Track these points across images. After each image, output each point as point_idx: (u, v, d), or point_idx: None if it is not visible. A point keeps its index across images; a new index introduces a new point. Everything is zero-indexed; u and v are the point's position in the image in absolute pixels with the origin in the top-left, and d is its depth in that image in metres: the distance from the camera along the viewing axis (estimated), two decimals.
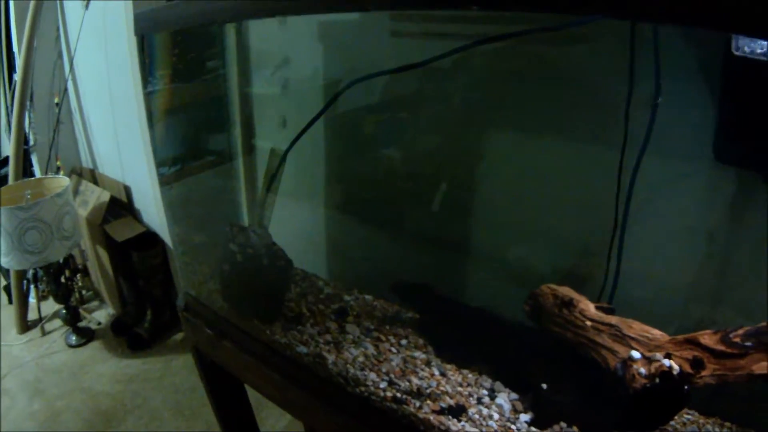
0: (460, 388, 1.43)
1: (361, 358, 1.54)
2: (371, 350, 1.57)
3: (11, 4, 3.98)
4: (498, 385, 1.44)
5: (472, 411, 1.34)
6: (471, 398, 1.39)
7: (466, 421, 1.31)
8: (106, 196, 3.79)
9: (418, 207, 2.07)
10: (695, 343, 1.19)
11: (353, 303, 1.84)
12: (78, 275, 4.15)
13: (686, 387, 1.17)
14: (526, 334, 1.53)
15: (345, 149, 2.29)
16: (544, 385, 1.35)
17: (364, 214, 2.23)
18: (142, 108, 2.22)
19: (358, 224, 2.29)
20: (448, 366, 1.52)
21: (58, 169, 4.16)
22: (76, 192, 4.00)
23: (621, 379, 1.20)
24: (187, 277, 2.10)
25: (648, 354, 1.20)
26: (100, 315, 4.19)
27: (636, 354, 1.20)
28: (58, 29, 4.00)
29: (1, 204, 3.19)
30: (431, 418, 1.31)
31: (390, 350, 1.58)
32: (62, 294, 3.83)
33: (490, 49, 1.68)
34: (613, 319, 1.30)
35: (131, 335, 3.86)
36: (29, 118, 4.04)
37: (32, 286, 4.10)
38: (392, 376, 1.46)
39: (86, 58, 3.81)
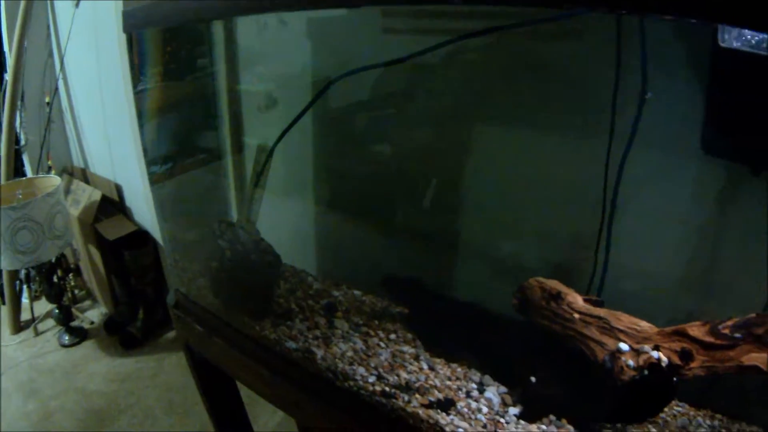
0: (448, 382, 1.42)
1: (350, 353, 1.54)
2: (360, 345, 1.57)
3: (1, 3, 3.97)
4: (487, 378, 1.44)
5: (461, 405, 1.34)
6: (460, 392, 1.39)
7: (455, 415, 1.31)
8: (97, 195, 3.78)
9: (407, 202, 2.07)
10: (684, 335, 1.19)
11: (342, 298, 1.84)
12: (70, 275, 4.14)
13: (675, 379, 1.17)
14: (514, 328, 1.53)
15: (334, 145, 2.29)
16: (533, 379, 1.35)
17: (353, 209, 2.23)
18: (132, 106, 2.22)
19: (347, 220, 2.29)
20: (437, 360, 1.52)
21: (50, 168, 4.16)
22: (67, 191, 3.99)
23: (609, 371, 1.20)
24: (178, 275, 2.10)
25: (636, 346, 1.20)
26: (93, 314, 4.19)
27: (624, 346, 1.21)
28: (48, 28, 3.99)
29: None
30: (420, 411, 1.31)
31: (379, 345, 1.58)
32: (55, 294, 3.83)
33: (479, 45, 1.68)
34: (601, 312, 1.30)
35: (124, 334, 3.86)
36: (20, 117, 4.03)
37: (25, 287, 4.09)
38: (381, 370, 1.46)
39: (77, 57, 3.81)
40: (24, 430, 3.11)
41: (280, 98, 2.32)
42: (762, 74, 1.13)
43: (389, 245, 2.10)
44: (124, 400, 3.31)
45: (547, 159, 1.69)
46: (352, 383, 1.43)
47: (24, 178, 3.71)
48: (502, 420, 1.30)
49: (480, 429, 1.27)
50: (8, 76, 3.78)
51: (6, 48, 4.06)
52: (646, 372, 1.15)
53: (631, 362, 1.17)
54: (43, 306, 4.10)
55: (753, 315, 1.16)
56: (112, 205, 3.87)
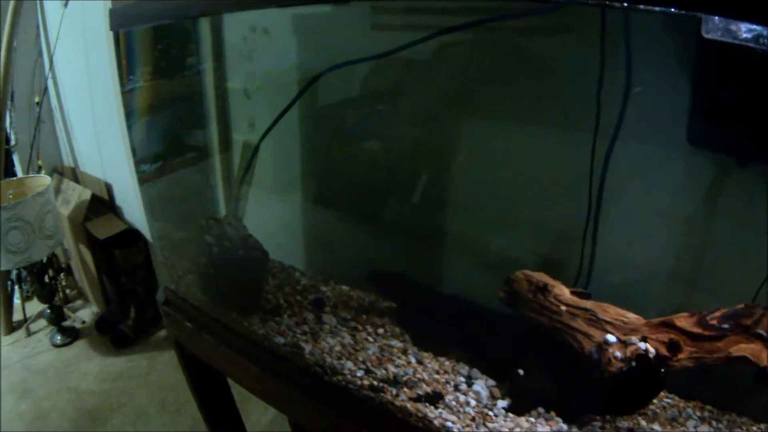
0: (436, 376, 1.43)
1: (338, 348, 1.54)
2: (348, 339, 1.57)
3: None
4: (475, 372, 1.45)
5: (449, 398, 1.34)
6: (448, 385, 1.39)
7: (444, 408, 1.31)
8: (87, 195, 3.77)
9: (394, 197, 2.07)
10: (671, 326, 1.20)
11: (330, 294, 1.84)
12: (61, 274, 4.14)
13: (663, 370, 1.17)
14: (502, 321, 1.53)
15: (321, 141, 2.29)
16: (521, 371, 1.36)
17: (341, 205, 2.23)
18: (121, 105, 2.22)
19: (335, 215, 2.29)
20: (425, 354, 1.52)
21: (40, 168, 4.15)
22: (57, 191, 3.98)
23: (597, 363, 1.20)
24: (167, 272, 2.10)
25: (624, 338, 1.20)
26: (85, 314, 4.18)
27: (611, 338, 1.21)
28: (37, 28, 3.98)
29: None
30: (408, 405, 1.31)
31: (367, 339, 1.58)
32: (46, 294, 3.82)
33: (467, 40, 1.69)
34: (588, 304, 1.30)
35: (115, 333, 3.85)
36: (10, 117, 4.02)
37: (16, 287, 4.08)
38: (369, 364, 1.46)
39: (66, 57, 3.80)
40: (17, 430, 3.11)
41: (268, 96, 2.32)
42: (746, 66, 1.13)
43: (377, 241, 2.10)
44: (117, 399, 3.30)
45: (534, 153, 1.69)
46: (340, 378, 1.43)
47: (14, 178, 3.70)
48: (490, 413, 1.30)
49: (468, 422, 1.27)
50: None
51: None
52: (633, 363, 1.16)
53: (618, 354, 1.17)
54: (35, 306, 4.09)
55: (741, 306, 1.17)
56: (103, 204, 3.87)
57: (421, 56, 1.75)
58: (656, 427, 1.28)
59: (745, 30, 0.86)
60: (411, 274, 1.80)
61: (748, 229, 1.37)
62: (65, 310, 4.07)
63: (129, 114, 2.16)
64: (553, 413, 1.29)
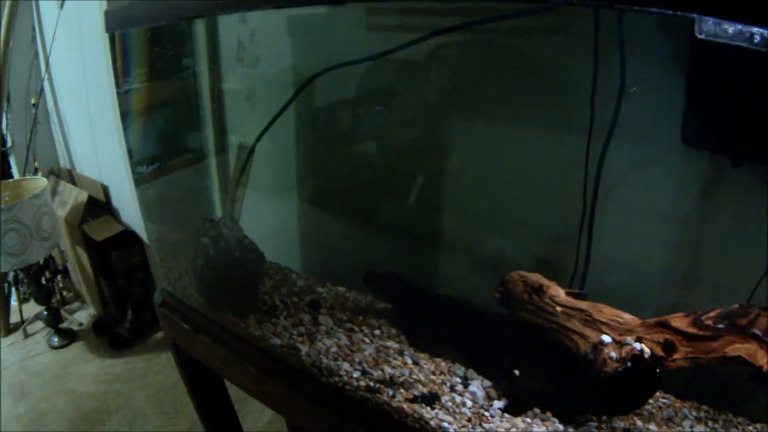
0: (433, 377, 1.43)
1: (334, 349, 1.54)
2: (344, 341, 1.58)
3: None
4: (471, 372, 1.45)
5: (445, 399, 1.34)
6: (444, 386, 1.40)
7: (440, 409, 1.31)
8: (84, 196, 3.77)
9: (389, 198, 2.07)
10: (666, 326, 1.20)
11: (326, 295, 1.85)
12: (58, 276, 4.13)
13: (658, 370, 1.17)
14: (497, 322, 1.53)
15: (317, 143, 2.29)
16: (517, 372, 1.36)
17: (337, 206, 2.24)
18: (117, 107, 2.22)
19: (331, 217, 2.30)
20: (421, 355, 1.52)
21: (36, 170, 4.14)
22: (54, 192, 3.98)
23: (592, 363, 1.20)
24: (164, 274, 2.10)
25: (619, 338, 1.21)
26: (82, 316, 4.17)
27: (607, 338, 1.21)
28: (33, 29, 3.98)
29: None
30: (404, 406, 1.32)
31: (363, 340, 1.59)
32: (43, 295, 3.82)
33: (462, 42, 1.69)
34: (583, 305, 1.30)
35: (113, 335, 3.85)
36: (6, 119, 4.02)
37: (13, 289, 4.08)
38: (365, 365, 1.46)
39: (62, 58, 3.79)
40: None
41: (263, 97, 2.32)
42: (740, 66, 1.13)
43: (373, 242, 2.10)
44: (114, 401, 3.30)
45: (528, 154, 1.69)
46: (336, 379, 1.44)
47: (10, 180, 3.69)
48: (486, 413, 1.30)
49: (465, 423, 1.28)
50: None
51: None
52: (629, 363, 1.16)
53: (613, 354, 1.18)
54: (32, 308, 4.08)
55: (736, 306, 1.17)
56: (99, 206, 3.86)
57: (415, 57, 1.76)
58: (652, 427, 1.28)
59: (738, 30, 0.86)
60: (407, 275, 1.80)
61: (743, 229, 1.37)
62: (62, 312, 4.07)
63: (125, 115, 2.16)
64: (549, 414, 1.30)
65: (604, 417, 1.29)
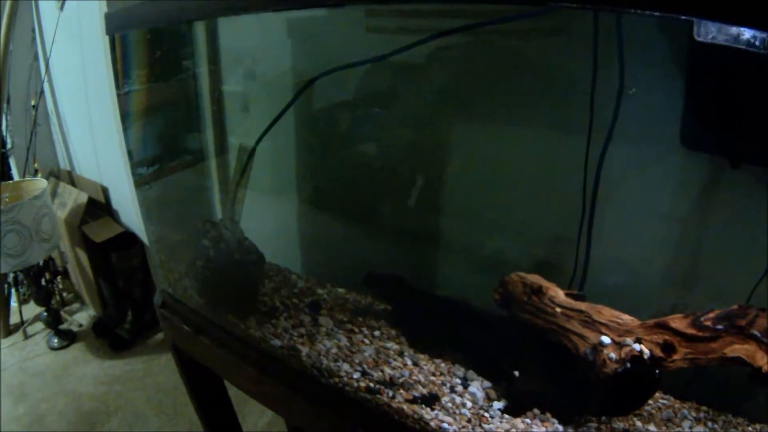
0: (432, 378, 1.43)
1: (334, 350, 1.54)
2: (344, 342, 1.58)
3: None
4: (471, 373, 1.45)
5: (445, 399, 1.35)
6: (444, 387, 1.40)
7: (440, 410, 1.32)
8: (83, 198, 3.77)
9: (389, 200, 2.08)
10: (666, 327, 1.20)
11: (326, 296, 1.85)
12: (58, 277, 4.13)
13: (657, 371, 1.18)
14: (497, 323, 1.53)
15: (317, 145, 2.29)
16: (517, 373, 1.36)
17: (337, 208, 2.24)
18: (117, 108, 2.22)
19: (331, 218, 2.30)
20: (421, 356, 1.52)
21: (36, 171, 4.14)
22: (54, 194, 3.98)
23: (592, 364, 1.21)
24: (164, 275, 2.10)
25: (618, 339, 1.21)
26: (81, 317, 4.17)
27: (606, 339, 1.21)
28: (33, 31, 3.98)
29: None
30: (404, 407, 1.32)
31: (363, 341, 1.59)
32: (43, 297, 3.82)
33: (461, 44, 1.69)
34: (582, 306, 1.31)
35: (113, 336, 3.85)
36: (6, 120, 4.02)
37: (13, 290, 4.08)
38: (365, 366, 1.47)
39: (62, 60, 3.79)
40: None
41: (264, 99, 2.32)
42: (738, 68, 1.13)
43: (373, 243, 2.10)
44: (114, 402, 3.30)
45: (528, 155, 1.70)
46: (336, 379, 1.44)
47: (10, 182, 3.69)
48: (486, 414, 1.31)
49: (464, 423, 1.28)
50: None
51: None
52: (628, 364, 1.16)
53: (613, 355, 1.18)
54: (32, 309, 4.08)
55: (735, 307, 1.17)
56: (99, 207, 3.86)
57: (414, 59, 1.76)
58: (652, 427, 1.28)
59: (736, 33, 0.86)
60: (407, 276, 1.80)
61: (742, 230, 1.38)
62: (62, 313, 4.07)
63: (125, 117, 2.16)
64: (548, 414, 1.30)
65: (603, 418, 1.29)
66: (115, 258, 3.63)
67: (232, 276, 1.84)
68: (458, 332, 1.59)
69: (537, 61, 1.60)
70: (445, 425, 1.27)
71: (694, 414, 1.35)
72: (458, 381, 1.42)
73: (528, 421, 1.28)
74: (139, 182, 2.19)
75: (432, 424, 1.28)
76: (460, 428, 1.27)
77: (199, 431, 2.29)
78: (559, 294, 1.36)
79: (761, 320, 1.14)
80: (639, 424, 1.30)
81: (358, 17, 1.86)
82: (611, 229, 1.56)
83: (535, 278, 1.42)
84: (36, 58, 4.06)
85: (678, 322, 1.20)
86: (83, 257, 3.77)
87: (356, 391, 1.40)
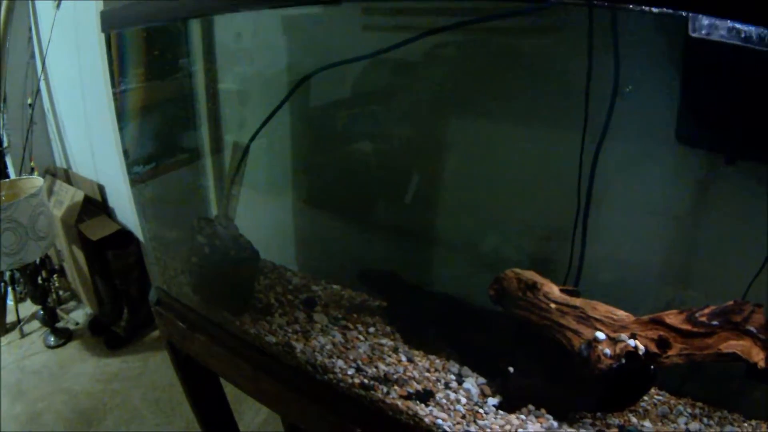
0: (427, 374, 1.43)
1: (329, 346, 1.54)
2: (339, 338, 1.58)
3: None
4: (465, 369, 1.45)
5: (439, 396, 1.34)
6: (438, 383, 1.40)
7: (434, 406, 1.32)
8: (80, 196, 3.77)
9: (384, 196, 2.08)
10: (661, 323, 1.20)
11: (321, 293, 1.85)
12: (54, 276, 4.11)
13: (652, 367, 1.17)
14: (492, 319, 1.53)
15: (312, 142, 2.29)
16: (511, 369, 1.36)
17: (331, 204, 2.24)
18: (113, 107, 2.22)
19: (326, 215, 2.30)
20: (416, 352, 1.52)
21: (32, 169, 4.13)
22: (50, 192, 3.98)
23: (586, 360, 1.20)
24: (159, 272, 2.10)
25: (613, 335, 1.21)
26: (78, 315, 4.17)
27: (601, 335, 1.21)
28: (30, 30, 3.98)
29: None
30: (399, 403, 1.32)
31: (357, 338, 1.59)
32: (39, 295, 3.82)
33: (457, 41, 1.69)
34: (577, 301, 1.31)
35: (109, 334, 3.85)
36: (2, 119, 4.01)
37: (9, 288, 4.07)
38: (360, 362, 1.46)
39: (58, 58, 3.79)
40: (12, 431, 3.10)
41: (260, 97, 2.32)
42: (733, 64, 1.13)
43: (368, 240, 2.10)
44: (111, 400, 3.30)
45: (523, 152, 1.70)
46: (331, 376, 1.44)
47: (7, 180, 3.69)
48: (480, 410, 1.31)
49: (459, 420, 1.28)
50: None
51: None
52: (623, 360, 1.16)
53: (607, 351, 1.18)
54: (28, 308, 4.08)
55: (731, 302, 1.17)
56: (95, 205, 3.86)
57: (410, 57, 1.76)
58: (647, 423, 1.29)
59: (731, 28, 0.86)
60: (401, 272, 1.80)
61: (737, 226, 1.38)
62: (58, 311, 4.07)
63: (121, 115, 2.16)
64: (543, 410, 1.30)
65: (598, 414, 1.29)
66: (112, 256, 3.63)
67: (227, 273, 1.84)
68: (453, 329, 1.59)
69: (531, 58, 1.60)
70: (440, 421, 1.27)
71: (689, 410, 1.35)
72: (453, 377, 1.42)
73: (523, 417, 1.28)
74: (135, 180, 2.19)
75: (426, 420, 1.28)
76: (454, 424, 1.27)
77: (196, 429, 2.29)
78: (553, 290, 1.36)
79: (757, 316, 1.14)
80: (634, 420, 1.30)
81: (354, 15, 1.86)
82: (606, 225, 1.56)
83: (529, 274, 1.42)
84: (32, 56, 4.06)
85: (673, 317, 1.20)
86: (79, 255, 3.77)
87: (351, 387, 1.40)
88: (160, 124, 2.29)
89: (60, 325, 3.98)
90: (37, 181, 3.59)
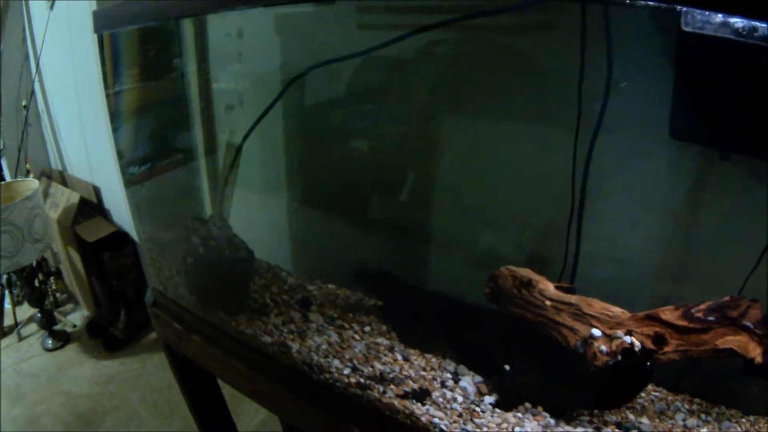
0: (423, 373, 1.43)
1: (324, 346, 1.54)
2: (335, 338, 1.57)
3: None
4: (461, 368, 1.45)
5: (436, 394, 1.34)
6: (435, 382, 1.40)
7: (431, 405, 1.31)
8: (75, 198, 3.77)
9: (379, 195, 2.07)
10: (656, 319, 1.20)
11: (316, 292, 1.84)
12: (51, 278, 4.11)
13: (649, 363, 1.17)
14: (488, 317, 1.53)
15: (307, 141, 2.29)
16: (507, 367, 1.36)
17: (326, 204, 2.23)
18: (106, 108, 2.21)
19: (320, 214, 2.30)
20: (412, 351, 1.52)
21: (28, 172, 4.13)
22: (46, 194, 3.97)
23: (582, 357, 1.20)
24: (155, 273, 2.10)
25: (609, 331, 1.20)
26: (75, 317, 4.17)
27: (596, 332, 1.21)
28: (24, 31, 3.97)
29: None
30: (395, 402, 1.32)
31: (353, 337, 1.59)
32: (36, 298, 3.81)
33: (451, 39, 1.69)
34: (572, 298, 1.30)
35: (106, 336, 3.85)
36: None
37: (6, 292, 4.07)
38: (356, 362, 1.46)
39: (52, 60, 3.79)
40: None
41: (254, 96, 2.32)
42: (727, 58, 1.13)
43: (363, 239, 2.10)
44: (109, 402, 3.30)
45: (518, 149, 1.69)
46: (327, 376, 1.44)
47: (2, 183, 3.68)
48: (477, 409, 1.30)
49: (455, 418, 1.28)
50: None
51: None
52: (619, 357, 1.16)
53: (603, 348, 1.18)
54: (26, 311, 4.08)
55: (727, 298, 1.17)
56: (91, 207, 3.86)
57: (404, 55, 1.76)
58: (644, 420, 1.28)
59: (723, 22, 0.86)
60: (396, 271, 1.80)
61: (732, 221, 1.38)
62: (56, 314, 4.06)
63: (115, 116, 2.15)
64: (540, 408, 1.30)
65: (595, 411, 1.29)
66: (108, 257, 3.62)
67: (222, 273, 1.83)
68: (449, 327, 1.59)
69: (525, 54, 1.60)
70: (436, 420, 1.27)
71: (687, 406, 1.35)
72: (449, 376, 1.42)
73: (519, 415, 1.28)
74: (130, 181, 2.19)
75: (423, 419, 1.27)
76: (451, 423, 1.26)
77: (194, 430, 2.29)
78: (549, 287, 1.36)
79: (753, 311, 1.14)
80: (632, 416, 1.30)
81: (349, 14, 1.86)
82: (601, 222, 1.56)
83: (525, 272, 1.41)
84: (26, 58, 4.05)
85: (669, 314, 1.19)
86: (76, 257, 3.77)
87: (347, 387, 1.40)
88: (154, 125, 2.29)
89: (57, 327, 3.98)
90: (33, 183, 3.59)
